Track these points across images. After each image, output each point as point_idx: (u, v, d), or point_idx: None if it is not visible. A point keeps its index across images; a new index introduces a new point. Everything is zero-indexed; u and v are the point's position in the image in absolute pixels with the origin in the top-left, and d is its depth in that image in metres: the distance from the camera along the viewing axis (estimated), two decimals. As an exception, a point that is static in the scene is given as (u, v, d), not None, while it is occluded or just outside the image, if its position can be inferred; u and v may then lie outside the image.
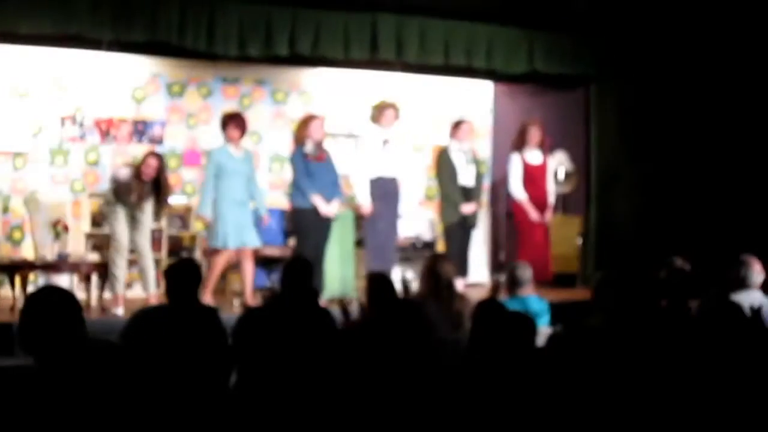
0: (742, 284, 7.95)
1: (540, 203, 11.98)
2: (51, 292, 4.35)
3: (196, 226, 12.90)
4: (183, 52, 11.85)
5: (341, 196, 11.30)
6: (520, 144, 12.09)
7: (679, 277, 7.49)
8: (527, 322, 5.14)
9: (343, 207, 12.13)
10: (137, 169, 10.49)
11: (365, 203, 11.16)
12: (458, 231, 11.64)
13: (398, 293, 7.87)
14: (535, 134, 12.04)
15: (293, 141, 11.13)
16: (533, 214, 11.80)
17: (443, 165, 11.71)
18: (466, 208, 11.53)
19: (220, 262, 10.71)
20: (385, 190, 11.28)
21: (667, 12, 12.78)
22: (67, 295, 4.28)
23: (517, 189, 11.91)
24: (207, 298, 10.40)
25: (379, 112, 11.35)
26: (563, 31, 13.41)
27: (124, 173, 10.55)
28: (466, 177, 11.67)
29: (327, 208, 10.75)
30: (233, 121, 10.80)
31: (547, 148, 12.38)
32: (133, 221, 10.59)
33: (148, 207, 10.66)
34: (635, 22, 13.14)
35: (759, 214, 12.12)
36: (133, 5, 11.18)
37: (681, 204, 12.85)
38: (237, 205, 10.62)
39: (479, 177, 11.88)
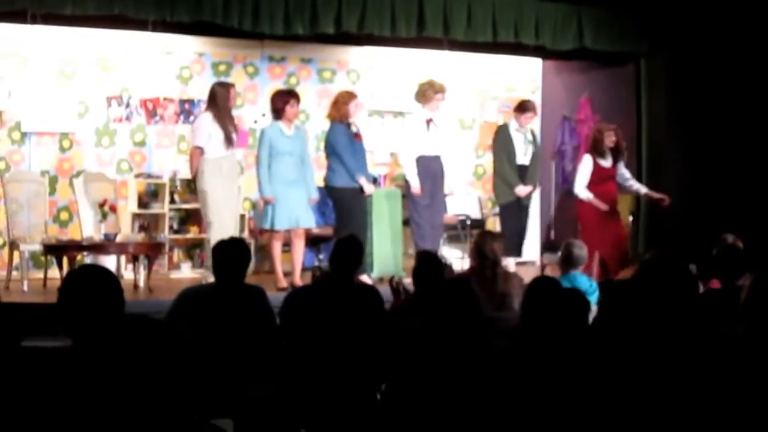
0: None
1: (608, 199, 11.76)
2: (89, 270, 4.28)
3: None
4: (228, 31, 11.79)
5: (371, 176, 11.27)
6: (595, 146, 11.81)
7: (731, 255, 7.32)
8: (582, 299, 5.04)
9: (389, 185, 12.10)
10: None
11: (414, 183, 11.08)
12: (513, 210, 11.57)
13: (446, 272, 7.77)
14: (611, 138, 11.78)
15: (330, 118, 11.01)
16: (603, 207, 11.55)
17: (501, 143, 11.66)
18: (521, 190, 11.46)
19: (277, 246, 10.64)
20: (427, 169, 11.20)
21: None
22: (106, 274, 4.21)
23: (580, 188, 11.64)
24: (282, 282, 10.38)
25: (424, 94, 11.27)
26: (612, 6, 13.25)
27: None
28: (523, 157, 11.58)
29: (371, 188, 10.72)
30: (292, 98, 10.70)
31: (622, 152, 12.08)
32: None
33: None
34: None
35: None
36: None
37: (732, 180, 12.65)
38: (289, 184, 10.52)
39: (536, 158, 11.80)
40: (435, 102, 11.24)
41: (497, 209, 14.18)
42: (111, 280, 4.14)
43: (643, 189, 12.07)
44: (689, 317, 4.68)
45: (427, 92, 11.27)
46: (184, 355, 3.67)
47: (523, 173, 11.60)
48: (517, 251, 11.27)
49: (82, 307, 3.99)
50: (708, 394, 4.35)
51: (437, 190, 11.32)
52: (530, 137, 11.72)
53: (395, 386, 5.46)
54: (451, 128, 12.60)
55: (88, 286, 4.05)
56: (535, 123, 13.57)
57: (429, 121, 11.22)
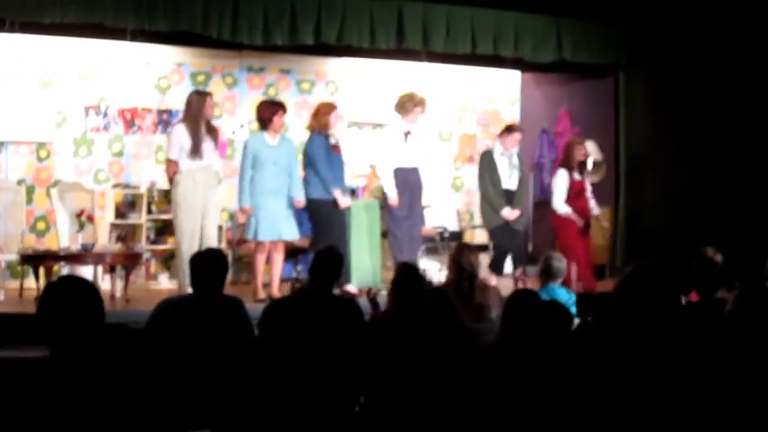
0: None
1: (584, 214, 11.84)
2: (69, 281, 4.24)
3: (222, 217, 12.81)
4: (207, 41, 11.77)
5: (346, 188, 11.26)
6: (567, 161, 11.88)
7: (711, 268, 7.32)
8: (564, 312, 5.02)
9: (367, 197, 12.08)
10: None
11: (392, 194, 11.05)
12: (503, 233, 11.49)
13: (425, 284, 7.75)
14: (581, 152, 11.86)
15: (309, 129, 10.96)
16: (579, 222, 11.59)
17: (485, 168, 11.61)
18: (508, 214, 11.38)
19: (261, 258, 10.58)
20: (405, 181, 11.17)
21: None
22: (86, 285, 4.17)
23: (559, 203, 11.69)
24: (261, 294, 10.32)
25: (403, 106, 11.23)
26: (591, 18, 13.29)
27: None
28: (509, 181, 11.54)
29: (347, 201, 10.66)
30: (280, 109, 10.63)
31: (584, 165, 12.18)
32: None
33: None
34: (664, 9, 12.98)
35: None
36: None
37: (712, 193, 12.66)
38: (273, 195, 10.44)
39: (523, 181, 11.74)
40: (414, 114, 11.18)
41: (475, 221, 14.24)
42: (91, 290, 4.09)
43: (595, 210, 12.08)
44: (672, 329, 4.68)
45: (407, 104, 11.23)
46: (162, 366, 3.65)
47: (510, 197, 11.53)
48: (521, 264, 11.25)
49: (61, 318, 3.94)
50: (692, 405, 4.35)
51: (415, 202, 11.28)
52: (515, 161, 11.65)
53: (374, 398, 5.45)
54: (430, 140, 12.52)
55: (68, 297, 4.00)
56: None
57: (407, 134, 11.18)
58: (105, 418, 3.15)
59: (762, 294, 4.88)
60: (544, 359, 4.68)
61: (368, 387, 5.57)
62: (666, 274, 5.05)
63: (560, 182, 11.75)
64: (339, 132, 11.12)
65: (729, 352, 4.61)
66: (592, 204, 12.07)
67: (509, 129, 11.77)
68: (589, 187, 12.10)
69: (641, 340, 4.56)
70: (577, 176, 11.81)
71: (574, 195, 11.72)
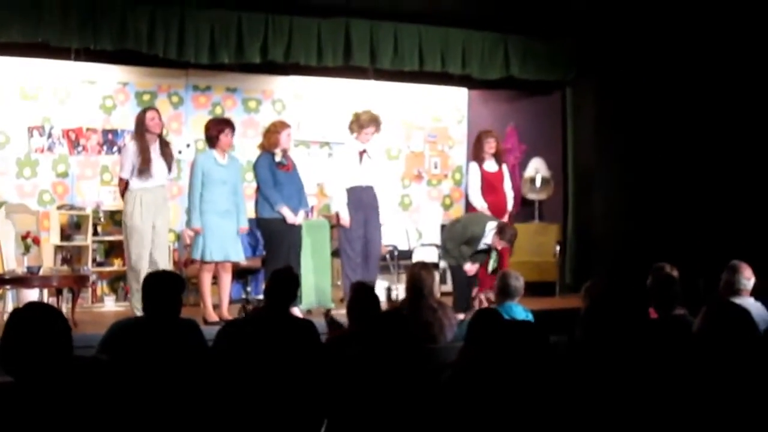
0: (732, 290, 7.83)
1: (499, 209, 11.89)
2: (36, 309, 4.09)
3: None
4: (153, 60, 11.66)
5: (307, 206, 11.10)
6: (477, 154, 11.99)
7: (667, 285, 7.28)
8: (536, 331, 4.96)
9: (316, 216, 11.97)
10: None
11: (343, 214, 10.92)
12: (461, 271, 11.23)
13: (381, 304, 7.68)
14: (490, 144, 11.91)
15: (260, 147, 10.83)
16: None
17: (461, 234, 11.32)
18: (468, 268, 11.10)
19: (207, 278, 10.41)
20: (359, 200, 11.04)
21: (642, 16, 12.67)
22: (54, 313, 4.03)
23: (476, 197, 11.89)
24: (212, 316, 10.15)
25: (358, 125, 11.09)
26: (538, 35, 13.31)
27: None
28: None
29: (294, 218, 10.49)
30: (227, 127, 10.46)
31: (502, 156, 12.20)
32: None
33: None
34: (610, 26, 13.03)
35: (739, 218, 11.97)
36: (101, 13, 10.98)
37: (660, 208, 12.71)
38: (222, 215, 10.27)
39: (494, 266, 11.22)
40: (365, 135, 11.06)
41: (423, 240, 14.19)
42: (59, 318, 3.96)
43: (509, 205, 12.11)
44: (644, 345, 4.64)
45: (356, 123, 11.12)
46: (127, 395, 3.55)
47: (480, 257, 11.22)
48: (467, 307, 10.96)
49: (28, 346, 3.80)
50: (669, 422, 4.31)
51: (371, 221, 11.12)
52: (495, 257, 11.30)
53: (338, 421, 5.36)
54: (383, 159, 12.37)
55: (36, 325, 3.86)
56: (459, 151, 13.68)
57: (362, 153, 11.06)
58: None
59: (731, 310, 4.86)
60: (519, 377, 4.62)
61: (330, 409, 5.48)
62: (633, 290, 5.03)
63: (473, 176, 11.95)
64: (290, 150, 10.92)
65: (700, 369, 4.58)
66: (509, 198, 12.15)
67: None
68: (507, 183, 12.12)
69: (618, 357, 4.51)
70: (489, 168, 11.91)
71: (489, 189, 11.85)
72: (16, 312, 4.07)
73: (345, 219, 10.92)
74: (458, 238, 10.95)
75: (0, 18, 10.47)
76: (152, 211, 10.24)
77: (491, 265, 11.08)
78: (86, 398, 3.08)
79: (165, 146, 10.45)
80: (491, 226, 10.79)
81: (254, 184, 10.79)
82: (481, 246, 10.90)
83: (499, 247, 10.94)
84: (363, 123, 11.04)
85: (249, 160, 12.89)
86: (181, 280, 6.72)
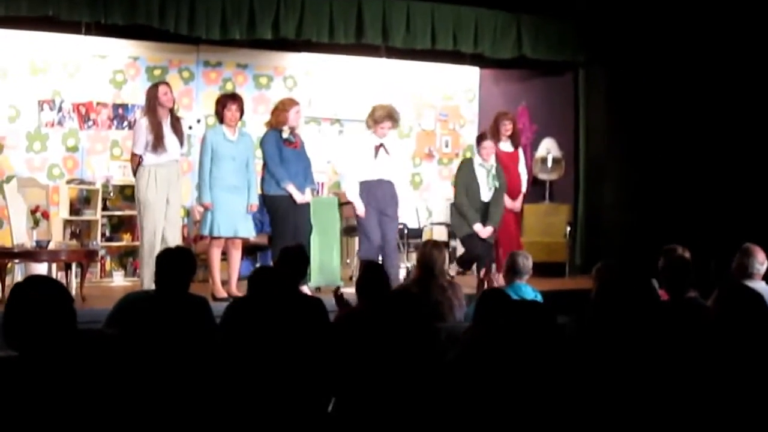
0: (744, 274, 7.77)
1: (512, 190, 11.82)
2: (39, 282, 4.05)
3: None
4: (164, 35, 11.61)
5: (314, 184, 11.04)
6: (494, 133, 11.91)
7: (681, 267, 7.22)
8: (545, 311, 4.91)
9: (326, 194, 11.92)
10: None
11: (358, 204, 10.81)
12: (474, 241, 11.21)
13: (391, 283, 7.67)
14: (506, 127, 11.86)
15: (268, 125, 10.76)
16: (506, 200, 11.55)
17: (462, 176, 11.30)
18: (480, 230, 11.08)
19: (216, 254, 10.37)
20: (370, 192, 10.90)
21: (656, 1, 12.61)
22: (55, 285, 3.99)
23: None
24: (221, 292, 10.11)
25: (374, 120, 10.94)
26: (551, 15, 13.24)
27: None
28: (487, 193, 11.28)
29: (301, 197, 10.42)
30: (235, 103, 10.37)
31: (518, 139, 12.16)
32: None
33: None
34: (624, 6, 12.95)
35: (751, 200, 11.91)
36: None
37: (671, 191, 12.65)
38: (230, 191, 10.21)
39: (498, 195, 11.39)
40: (381, 129, 10.91)
41: (433, 218, 14.15)
42: (61, 290, 3.92)
43: (523, 186, 12.15)
44: (657, 328, 4.59)
45: (371, 118, 10.95)
46: (133, 370, 3.52)
47: (484, 210, 11.28)
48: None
49: (30, 321, 3.76)
50: (683, 407, 4.27)
51: (386, 215, 10.94)
52: (495, 173, 11.35)
53: (345, 399, 5.34)
54: (400, 154, 12.13)
55: (37, 298, 3.82)
56: (469, 130, 13.65)
57: (378, 147, 10.91)
58: (76, 421, 3.00)
59: (744, 294, 4.82)
60: (525, 357, 4.58)
61: (339, 387, 5.46)
62: (644, 272, 4.98)
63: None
64: (300, 128, 10.85)
65: (717, 354, 4.54)
66: (524, 180, 12.16)
67: (479, 138, 11.57)
68: (523, 165, 12.12)
69: (630, 339, 4.47)
70: (504, 149, 11.90)
71: (503, 167, 11.65)
72: (17, 286, 4.03)
73: (360, 209, 10.81)
74: (461, 191, 11.07)
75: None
76: (166, 186, 10.20)
77: (490, 183, 11.16)
78: (91, 372, 3.04)
79: (176, 121, 10.40)
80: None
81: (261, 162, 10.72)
82: (476, 166, 11.21)
83: (485, 152, 11.23)
84: (378, 118, 10.90)
85: (259, 136, 12.85)
86: (193, 258, 6.69)
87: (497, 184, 11.25)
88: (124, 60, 13.04)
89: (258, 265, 11.53)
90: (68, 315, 3.84)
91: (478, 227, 11.04)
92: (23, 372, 3.58)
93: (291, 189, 10.36)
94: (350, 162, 11.09)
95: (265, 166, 10.54)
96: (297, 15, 11.80)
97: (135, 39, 12.62)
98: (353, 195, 10.86)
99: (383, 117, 10.89)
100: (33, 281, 4.05)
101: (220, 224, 10.16)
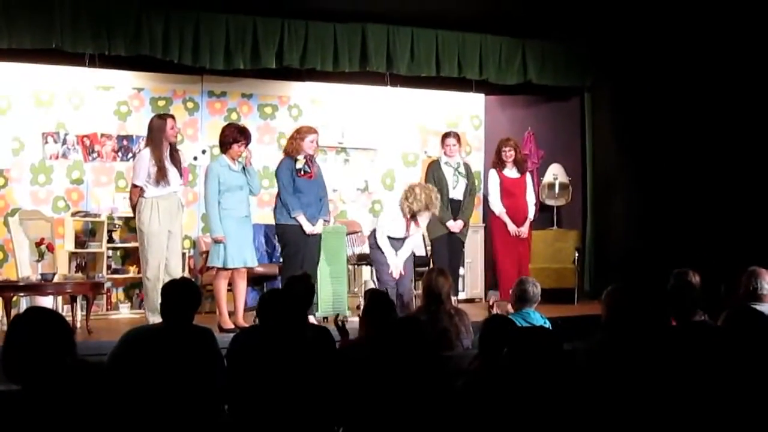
0: (752, 296, 7.71)
1: (517, 215, 11.74)
2: (37, 314, 4.00)
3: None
4: (168, 65, 11.59)
5: (326, 215, 10.88)
6: (496, 161, 11.88)
7: (689, 290, 7.16)
8: (550, 337, 4.85)
9: (333, 222, 11.85)
10: None
11: (392, 260, 10.62)
12: (444, 246, 11.33)
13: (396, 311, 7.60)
14: (506, 153, 11.80)
15: (283, 152, 10.70)
16: (511, 226, 11.54)
17: (431, 177, 11.44)
18: (452, 225, 11.23)
19: (223, 285, 10.28)
20: (395, 245, 10.79)
21: (659, 20, 12.57)
22: (54, 317, 3.94)
23: (494, 202, 11.74)
24: (228, 323, 10.02)
25: (410, 212, 10.69)
26: (556, 40, 13.23)
27: None
28: (453, 190, 11.37)
29: (311, 228, 10.34)
30: (242, 138, 10.29)
31: (523, 165, 12.08)
32: None
33: None
34: (629, 32, 12.93)
35: (762, 224, 11.83)
36: (115, 19, 10.95)
37: (679, 214, 12.59)
38: (240, 221, 10.18)
39: (469, 192, 11.56)
40: (419, 218, 10.71)
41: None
42: (60, 321, 3.87)
43: (530, 213, 11.99)
44: (667, 352, 4.54)
45: (408, 208, 10.72)
46: (130, 397, 3.46)
47: (455, 207, 11.39)
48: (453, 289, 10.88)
49: (28, 352, 3.71)
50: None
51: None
52: (462, 170, 11.49)
53: (353, 429, 5.28)
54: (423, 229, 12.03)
55: (37, 330, 3.76)
56: (467, 153, 13.57)
57: (410, 222, 10.70)
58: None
59: (752, 317, 4.77)
60: (532, 384, 4.52)
61: (346, 417, 5.40)
62: (654, 296, 4.93)
63: (492, 182, 11.84)
64: (314, 156, 10.73)
65: (726, 375, 4.48)
66: (531, 206, 11.98)
67: (443, 137, 11.70)
68: (530, 191, 12.00)
69: (639, 364, 4.41)
70: (509, 174, 11.79)
71: (506, 194, 11.68)
72: (16, 318, 3.99)
73: (395, 266, 10.64)
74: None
75: (13, 25, 10.47)
76: (168, 217, 10.16)
77: (457, 179, 11.25)
78: (90, 404, 2.99)
79: (175, 152, 10.36)
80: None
81: (272, 190, 10.65)
82: (442, 165, 11.44)
83: (449, 149, 11.54)
84: (416, 210, 10.68)
85: (265, 165, 12.83)
86: (198, 289, 6.63)
87: (466, 181, 11.40)
88: (128, 91, 13.01)
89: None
90: (67, 345, 3.79)
91: (450, 224, 11.24)
92: (22, 404, 3.53)
93: (301, 219, 10.29)
94: (381, 224, 10.91)
95: (278, 194, 10.48)
96: (301, 44, 11.81)
97: (139, 70, 12.64)
98: (389, 252, 10.67)
99: (420, 210, 10.66)
100: (31, 313, 4.00)
101: (233, 256, 10.07)
